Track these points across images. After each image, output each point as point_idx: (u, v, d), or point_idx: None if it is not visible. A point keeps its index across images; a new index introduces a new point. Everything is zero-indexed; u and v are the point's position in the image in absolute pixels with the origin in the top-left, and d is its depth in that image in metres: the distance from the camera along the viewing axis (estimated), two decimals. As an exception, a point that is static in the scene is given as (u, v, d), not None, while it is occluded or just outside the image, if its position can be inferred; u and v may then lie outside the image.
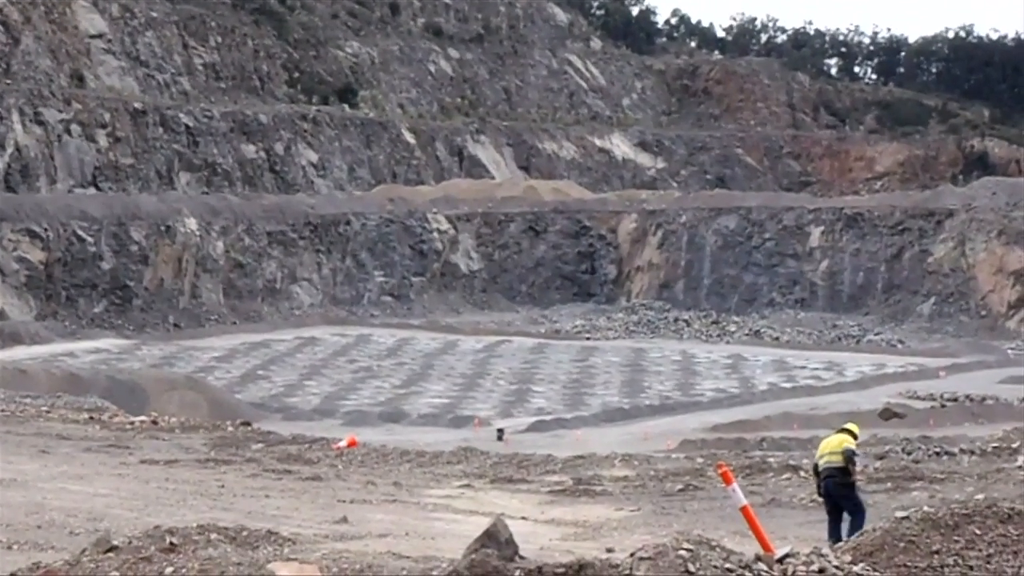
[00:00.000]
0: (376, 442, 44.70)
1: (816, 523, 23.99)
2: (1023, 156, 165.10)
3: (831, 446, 22.69)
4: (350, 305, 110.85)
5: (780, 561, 12.83)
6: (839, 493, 22.50)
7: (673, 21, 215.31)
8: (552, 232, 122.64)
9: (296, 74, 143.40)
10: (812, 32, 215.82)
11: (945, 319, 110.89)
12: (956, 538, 13.41)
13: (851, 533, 19.95)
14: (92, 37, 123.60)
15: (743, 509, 15.09)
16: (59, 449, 34.22)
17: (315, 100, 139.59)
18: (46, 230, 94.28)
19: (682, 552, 12.46)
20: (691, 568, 12.30)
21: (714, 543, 12.82)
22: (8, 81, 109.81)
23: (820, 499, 23.55)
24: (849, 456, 22.58)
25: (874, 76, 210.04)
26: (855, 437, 23.36)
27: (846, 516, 22.49)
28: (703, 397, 74.65)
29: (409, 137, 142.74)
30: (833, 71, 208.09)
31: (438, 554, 18.05)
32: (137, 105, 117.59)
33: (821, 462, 22.75)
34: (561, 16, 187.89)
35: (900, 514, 14.11)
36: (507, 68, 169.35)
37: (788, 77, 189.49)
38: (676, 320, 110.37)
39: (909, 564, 13.19)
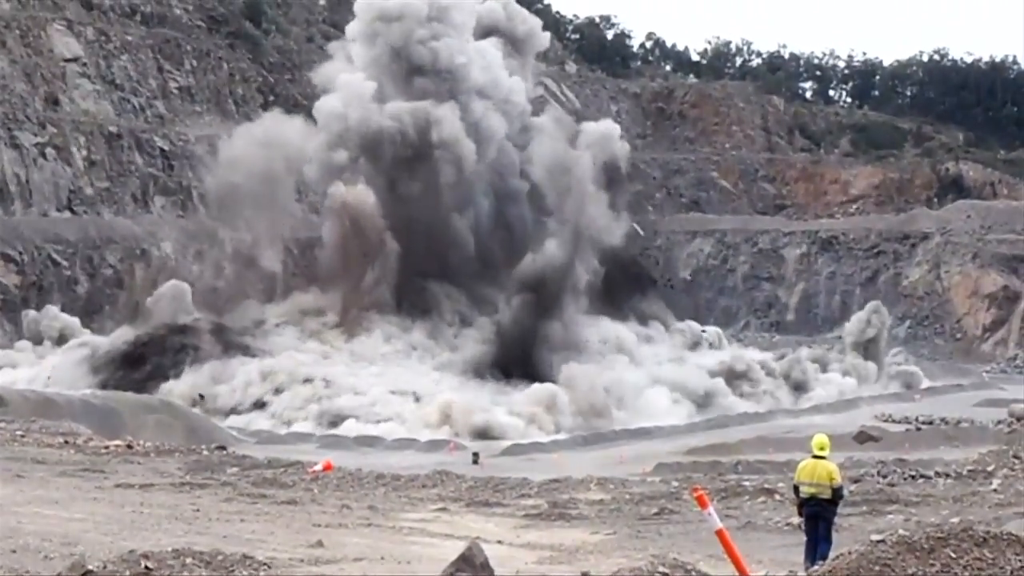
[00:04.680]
0: (351, 466, 44.61)
1: (792, 546, 23.98)
2: (997, 179, 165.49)
3: (818, 476, 22.55)
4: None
5: (756, 584, 12.84)
6: (822, 518, 22.54)
7: (648, 45, 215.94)
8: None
9: (271, 97, 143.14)
10: (787, 56, 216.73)
11: (920, 342, 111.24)
12: (932, 561, 13.41)
13: (820, 559, 20.02)
14: (67, 61, 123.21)
15: (719, 532, 15.11)
16: (34, 473, 34.05)
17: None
18: (21, 254, 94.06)
19: (658, 576, 12.47)
20: (667, 592, 12.31)
21: (690, 567, 12.84)
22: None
23: (800, 520, 23.58)
24: (840, 495, 22.64)
25: (849, 99, 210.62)
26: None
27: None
28: (678, 420, 74.65)
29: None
30: (808, 94, 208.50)
31: (414, 578, 18.05)
32: (112, 128, 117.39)
33: (805, 489, 22.69)
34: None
35: (875, 537, 14.12)
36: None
37: (763, 100, 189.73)
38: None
39: (884, 587, 13.20)
